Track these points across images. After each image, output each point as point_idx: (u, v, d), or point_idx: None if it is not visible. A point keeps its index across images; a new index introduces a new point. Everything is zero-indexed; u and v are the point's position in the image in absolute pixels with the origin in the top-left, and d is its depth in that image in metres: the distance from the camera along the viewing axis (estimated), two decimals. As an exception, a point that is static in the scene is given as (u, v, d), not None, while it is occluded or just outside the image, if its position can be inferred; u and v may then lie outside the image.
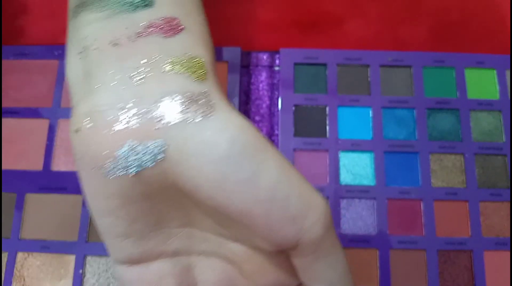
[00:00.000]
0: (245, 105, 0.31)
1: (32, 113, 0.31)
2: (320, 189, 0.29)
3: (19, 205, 0.29)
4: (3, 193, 0.29)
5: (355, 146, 0.30)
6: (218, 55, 0.31)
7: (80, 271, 0.28)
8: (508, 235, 0.28)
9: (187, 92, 0.16)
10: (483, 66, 0.31)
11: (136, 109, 0.15)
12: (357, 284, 0.27)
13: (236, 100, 0.30)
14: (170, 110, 0.15)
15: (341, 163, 0.29)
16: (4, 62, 0.32)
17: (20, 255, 0.28)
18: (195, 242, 0.19)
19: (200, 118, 0.15)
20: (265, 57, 0.32)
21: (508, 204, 0.29)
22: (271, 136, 0.31)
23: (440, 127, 0.30)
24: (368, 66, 0.31)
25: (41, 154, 0.30)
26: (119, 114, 0.15)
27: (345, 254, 0.17)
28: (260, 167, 0.15)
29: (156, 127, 0.15)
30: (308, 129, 0.30)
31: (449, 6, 0.33)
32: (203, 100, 0.16)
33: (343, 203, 0.29)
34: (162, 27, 0.16)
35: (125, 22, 0.16)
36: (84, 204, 0.29)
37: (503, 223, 0.29)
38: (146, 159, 0.15)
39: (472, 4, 0.33)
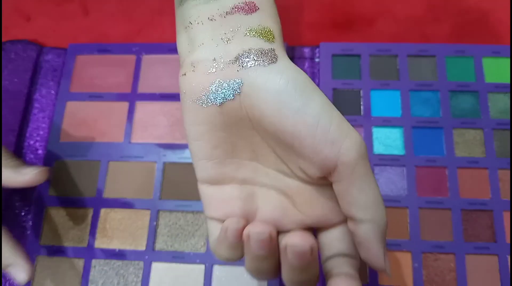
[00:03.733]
0: (290, 90, 0.37)
1: (115, 97, 0.37)
2: (357, 158, 0.33)
3: (103, 170, 0.35)
4: (90, 161, 0.35)
5: (386, 122, 0.34)
6: (268, 48, 0.37)
7: (154, 223, 0.33)
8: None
9: (260, 48, 0.21)
10: (498, 55, 0.36)
11: (224, 59, 0.21)
12: (391, 237, 0.32)
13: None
14: (248, 59, 0.21)
15: (374, 136, 0.34)
16: (90, 57, 0.39)
17: (103, 211, 0.34)
18: (259, 175, 0.23)
19: (267, 64, 0.21)
20: (307, 50, 0.38)
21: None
22: (313, 115, 0.36)
23: (462, 107, 0.35)
24: (396, 56, 0.36)
25: (122, 129, 0.36)
26: (213, 63, 0.21)
27: (377, 184, 0.21)
28: (308, 100, 0.20)
29: (237, 70, 0.21)
30: (345, 109, 0.35)
31: (469, 5, 0.38)
32: (270, 53, 0.21)
33: (377, 169, 0.33)
34: (243, 8, 0.22)
35: (218, 5, 0.23)
36: (157, 169, 0.35)
37: (520, 189, 0.32)
38: (229, 93, 0.21)
39: (489, 4, 0.38)
